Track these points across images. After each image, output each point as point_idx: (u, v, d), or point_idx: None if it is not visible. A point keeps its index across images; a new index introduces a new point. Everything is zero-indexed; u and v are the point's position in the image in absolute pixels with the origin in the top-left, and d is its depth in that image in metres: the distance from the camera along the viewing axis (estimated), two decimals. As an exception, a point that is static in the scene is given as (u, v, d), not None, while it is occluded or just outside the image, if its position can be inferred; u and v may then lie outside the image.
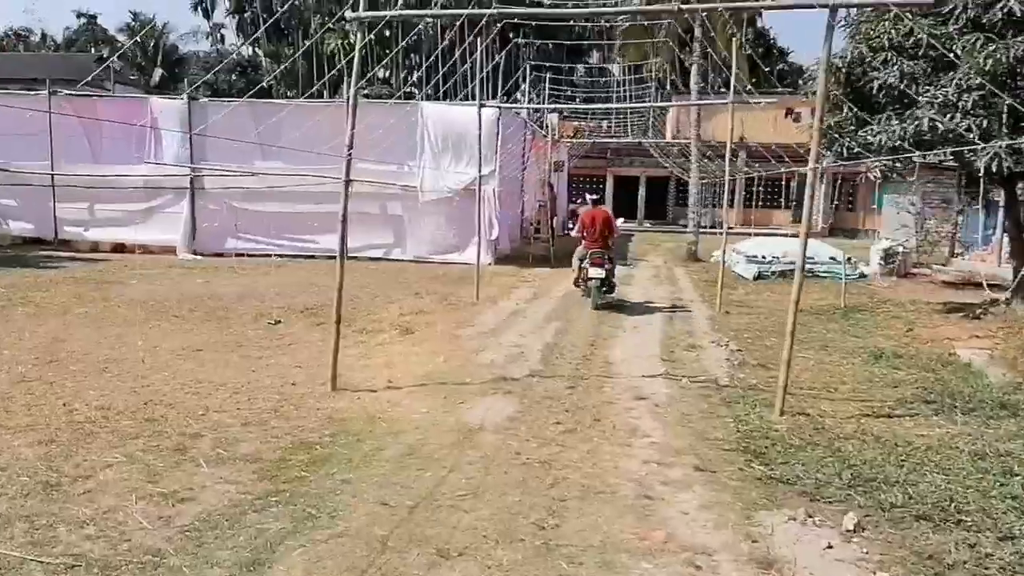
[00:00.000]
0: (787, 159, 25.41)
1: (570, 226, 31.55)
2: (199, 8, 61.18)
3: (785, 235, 26.71)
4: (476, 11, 7.61)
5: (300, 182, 18.45)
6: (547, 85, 28.21)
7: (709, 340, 9.73)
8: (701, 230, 21.94)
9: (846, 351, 9.35)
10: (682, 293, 14.34)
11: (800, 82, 19.89)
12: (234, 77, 57.78)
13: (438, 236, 18.92)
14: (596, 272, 11.86)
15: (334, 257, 18.13)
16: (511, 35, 54.25)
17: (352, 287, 14.17)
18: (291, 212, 19.08)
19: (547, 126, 25.47)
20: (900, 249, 16.43)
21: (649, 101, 40.56)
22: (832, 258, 16.53)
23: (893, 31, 10.55)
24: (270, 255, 19.01)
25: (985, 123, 9.87)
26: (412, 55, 57.85)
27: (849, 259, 16.62)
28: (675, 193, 39.69)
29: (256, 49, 59.75)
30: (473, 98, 18.26)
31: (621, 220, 17.64)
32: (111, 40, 61.70)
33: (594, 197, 14.02)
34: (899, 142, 10.24)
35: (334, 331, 7.18)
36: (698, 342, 9.62)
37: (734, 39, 20.17)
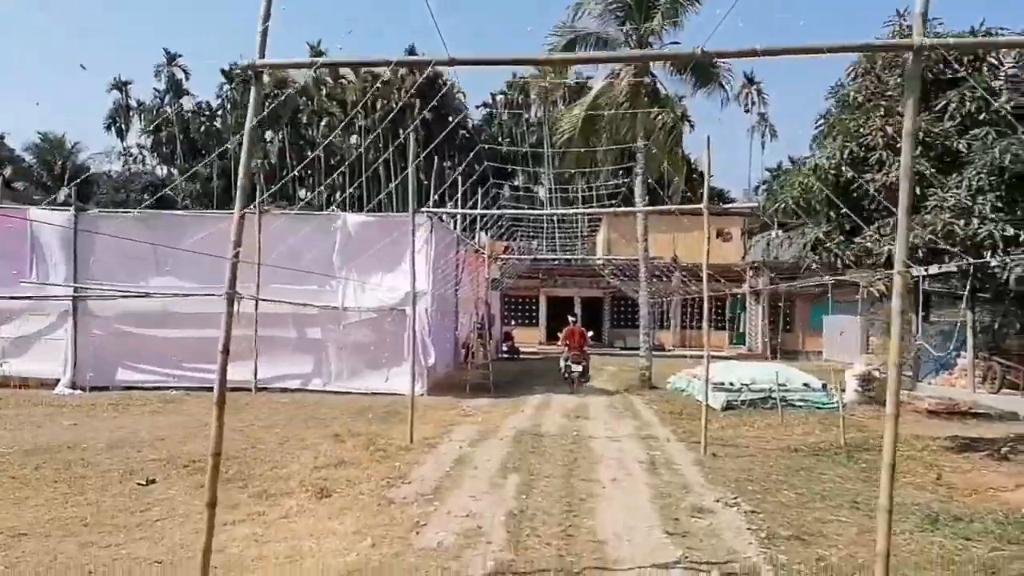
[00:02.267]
0: (721, 279, 24.52)
1: (505, 349, 29.87)
2: (112, 128, 59.22)
3: (728, 358, 25.40)
4: (412, 59, 5.73)
5: (201, 303, 16.13)
6: (479, 200, 26.84)
7: (713, 497, 7.65)
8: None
9: (884, 509, 7.39)
10: (651, 429, 12.31)
11: (756, 195, 18.93)
12: (146, 196, 55.24)
13: (363, 363, 16.61)
14: (576, 367, 18.00)
15: (243, 390, 15.77)
16: (435, 156, 53.77)
17: (258, 428, 11.74)
18: (192, 337, 16.53)
19: (479, 243, 23.87)
20: (877, 374, 14.92)
21: (578, 222, 39.96)
22: (806, 384, 14.90)
23: (887, 127, 9.27)
24: (167, 388, 16.30)
25: (1009, 229, 8.50)
26: (336, 175, 56.80)
27: (824, 386, 15.05)
28: (611, 314, 38.45)
29: (171, 169, 57.80)
30: (397, 209, 16.64)
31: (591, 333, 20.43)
32: (17, 160, 58.83)
33: (574, 318, 19.83)
34: (912, 252, 8.76)
35: (206, 519, 4.81)
36: (700, 501, 7.52)
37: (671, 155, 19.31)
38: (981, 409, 14.70)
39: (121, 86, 60.76)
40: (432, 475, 8.38)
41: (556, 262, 38.87)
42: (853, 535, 6.54)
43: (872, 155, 9.14)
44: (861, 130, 9.29)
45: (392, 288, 16.56)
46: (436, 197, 21.61)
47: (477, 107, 65.94)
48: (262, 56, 4.69)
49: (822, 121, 11.01)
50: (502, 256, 29.05)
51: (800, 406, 14.51)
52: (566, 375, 18.01)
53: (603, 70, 19.44)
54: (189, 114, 57.78)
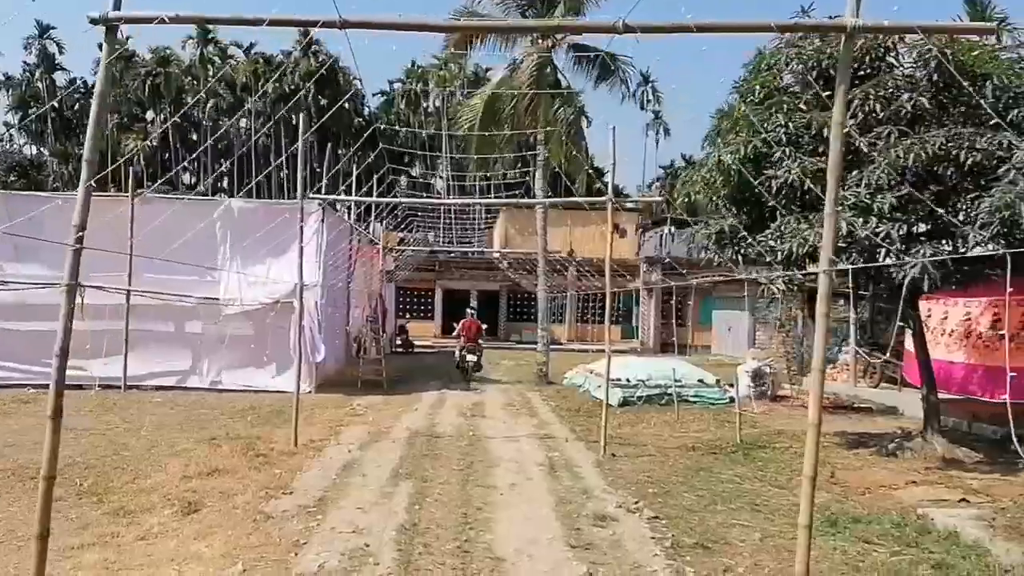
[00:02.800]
0: (621, 273, 24.64)
1: (399, 343, 29.12)
2: (-26, 102, 54.70)
3: (623, 352, 25.55)
4: (293, 17, 5.08)
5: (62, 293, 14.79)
6: (374, 188, 25.96)
7: (614, 502, 7.33)
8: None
9: (784, 512, 7.26)
10: (549, 427, 11.98)
11: (651, 191, 18.99)
12: (13, 178, 51.34)
13: (247, 359, 15.61)
14: (471, 357, 18.44)
15: (110, 387, 14.54)
16: (328, 142, 52.28)
17: (124, 432, 10.73)
18: (52, 331, 15.12)
19: (373, 234, 23.05)
20: (768, 370, 15.14)
21: (475, 215, 39.60)
22: (700, 381, 14.95)
23: (790, 123, 9.19)
24: (23, 386, 14.85)
25: (905, 228, 8.56)
26: (222, 160, 54.28)
27: (718, 382, 15.15)
28: (507, 308, 38.23)
29: (41, 148, 53.82)
30: (288, 197, 15.75)
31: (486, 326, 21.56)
32: None
33: (472, 311, 20.46)
34: (810, 249, 8.71)
35: (35, 552, 4.08)
36: (602, 507, 7.18)
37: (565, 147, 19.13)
38: (862, 404, 15.14)
39: (-15, 58, 56.16)
40: (316, 484, 7.73)
41: (453, 255, 38.37)
42: (757, 541, 6.33)
43: (774, 151, 9.02)
44: (765, 125, 9.16)
45: (279, 279, 15.64)
46: (328, 183, 20.66)
47: (374, 95, 64.54)
48: (117, 8, 3.98)
49: (720, 117, 10.92)
50: (397, 247, 28.24)
51: (695, 402, 14.55)
52: (460, 364, 18.56)
53: (504, 61, 19.06)
54: (62, 90, 53.90)
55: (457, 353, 18.79)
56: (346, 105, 55.24)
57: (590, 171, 21.48)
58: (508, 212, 38.48)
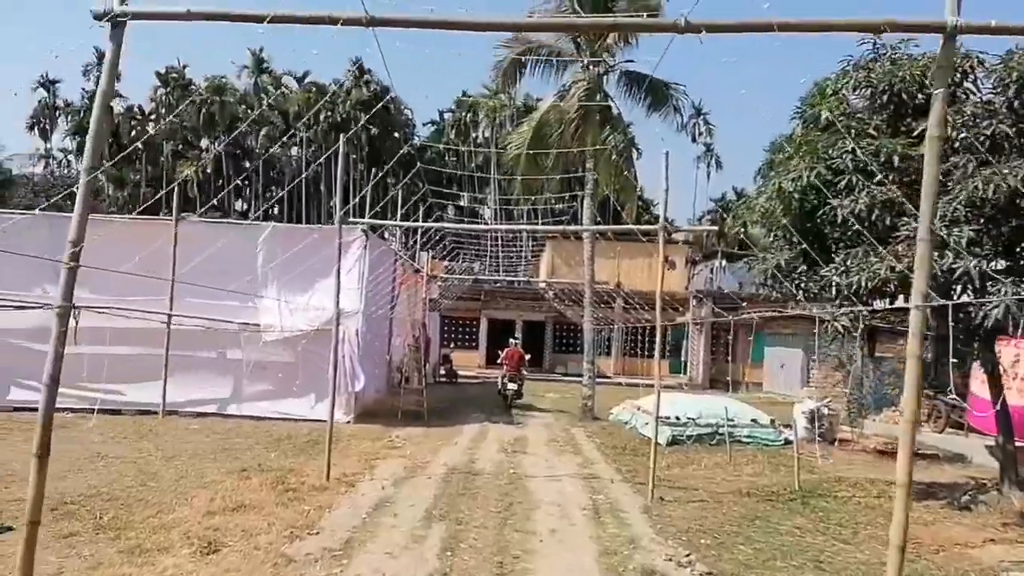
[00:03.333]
0: (672, 307, 23.95)
1: (443, 372, 28.76)
2: (35, 129, 56.39)
3: (670, 387, 24.76)
4: (319, 13, 4.69)
5: (105, 316, 14.71)
6: (420, 218, 25.78)
7: (663, 556, 6.74)
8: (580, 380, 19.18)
9: (852, 572, 6.61)
10: (594, 467, 11.39)
11: (701, 224, 18.39)
12: (70, 202, 52.60)
13: (285, 387, 15.33)
14: (512, 385, 19.05)
15: (148, 412, 14.38)
16: (374, 168, 52.51)
17: (156, 461, 10.46)
18: (95, 355, 15.07)
19: (418, 262, 22.79)
20: (827, 411, 14.33)
21: (521, 244, 39.28)
22: (754, 420, 14.21)
23: (857, 150, 8.59)
24: (64, 410, 14.77)
25: (985, 264, 7.88)
26: (273, 188, 55.05)
27: (772, 421, 14.40)
28: (552, 339, 37.66)
29: (99, 174, 55.17)
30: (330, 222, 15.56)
31: (529, 356, 21.27)
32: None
33: (515, 340, 20.84)
34: (881, 285, 8.08)
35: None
36: (649, 560, 6.61)
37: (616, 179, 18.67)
38: (927, 450, 14.21)
39: (48, 84, 58.09)
40: (345, 524, 7.30)
41: (498, 284, 38.04)
42: (824, 607, 5.70)
43: (841, 179, 8.44)
44: (830, 152, 8.60)
45: (321, 306, 15.40)
46: (377, 212, 20.46)
47: (424, 124, 65.07)
48: (123, 2, 3.67)
49: (776, 147, 10.39)
50: (442, 275, 27.94)
51: (748, 443, 13.82)
52: (502, 392, 19.35)
53: (552, 87, 18.74)
54: (120, 117, 55.34)
55: (500, 381, 19.53)
56: (396, 134, 55.75)
57: (640, 200, 20.84)
58: (555, 242, 38.07)
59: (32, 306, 12.81)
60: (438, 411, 17.81)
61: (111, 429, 13.18)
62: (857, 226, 8.17)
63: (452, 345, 34.59)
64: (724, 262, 37.87)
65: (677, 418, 13.84)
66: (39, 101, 56.91)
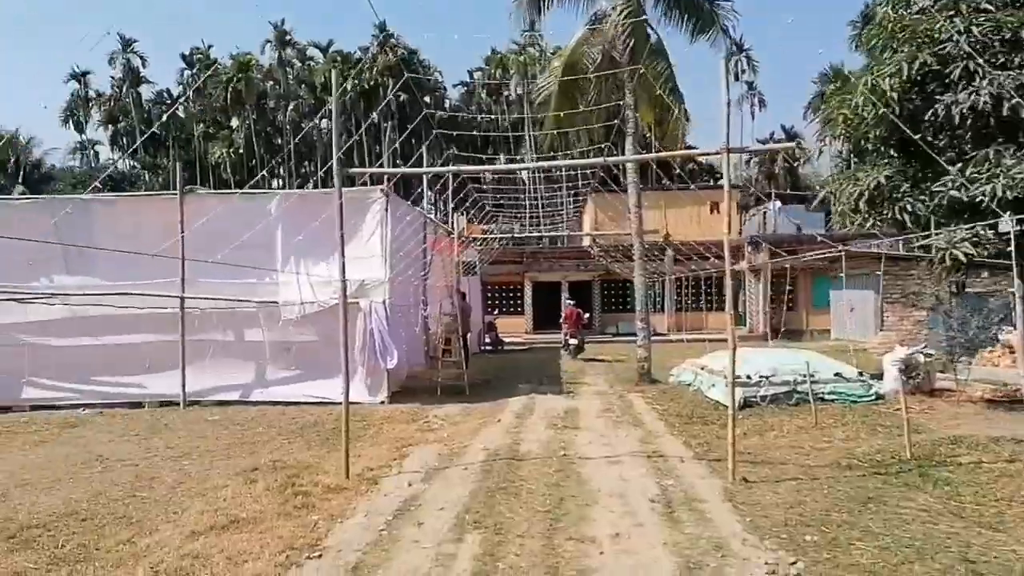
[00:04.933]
0: (714, 256, 22.09)
1: (487, 341, 27.37)
2: (70, 121, 55.98)
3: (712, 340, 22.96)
4: None
5: (117, 303, 13.58)
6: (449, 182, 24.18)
7: (763, 564, 5.19)
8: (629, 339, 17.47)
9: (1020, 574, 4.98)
10: (657, 441, 9.80)
11: (748, 168, 16.55)
12: (107, 190, 52.39)
13: (312, 368, 14.02)
14: (573, 341, 22.26)
15: (170, 403, 13.24)
16: (412, 140, 51.11)
17: (161, 460, 9.23)
18: (106, 345, 13.96)
19: (454, 225, 21.26)
20: (922, 358, 12.48)
21: (561, 201, 37.45)
22: (838, 374, 12.45)
23: (973, 28, 6.74)
24: (79, 406, 13.75)
25: None
26: (306, 163, 53.95)
27: (860, 373, 12.63)
28: (601, 298, 35.97)
29: (133, 162, 54.75)
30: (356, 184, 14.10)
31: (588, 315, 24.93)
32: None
33: (572, 301, 24.44)
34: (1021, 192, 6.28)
35: None
36: (746, 572, 5.06)
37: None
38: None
39: (79, 76, 57.55)
40: (356, 540, 5.87)
41: (540, 244, 36.45)
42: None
43: (954, 68, 6.62)
44: (936, 35, 6.76)
45: (349, 278, 14.01)
46: (404, 179, 18.92)
47: (455, 86, 63.16)
48: None
49: (834, 71, 8.57)
50: (478, 235, 26.32)
51: (832, 400, 12.10)
52: (566, 346, 22.82)
53: (583, 18, 16.83)
54: (149, 103, 54.68)
55: (563, 339, 23.17)
56: (426, 99, 54.10)
57: (684, 125, 18.56)
58: (598, 197, 36.23)
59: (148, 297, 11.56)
60: (481, 384, 16.42)
61: (126, 425, 12.07)
62: (977, 124, 6.40)
63: (496, 312, 33.13)
64: (779, 204, 35.59)
65: (748, 377, 12.16)
66: (71, 93, 56.56)
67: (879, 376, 12.96)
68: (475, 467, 8.29)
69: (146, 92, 54.90)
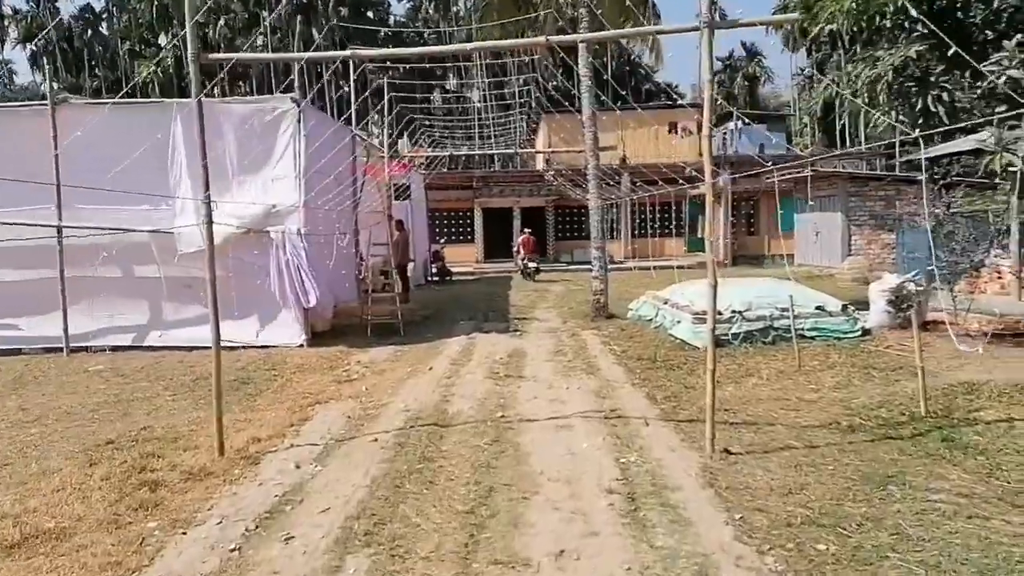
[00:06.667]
0: (680, 179, 20.36)
1: (434, 271, 25.55)
2: (-19, 40, 51.40)
3: (686, 267, 21.45)
4: None
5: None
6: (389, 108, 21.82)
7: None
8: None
9: None
10: (616, 394, 8.15)
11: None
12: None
13: (221, 308, 12.07)
14: (532, 264, 24.60)
15: (51, 349, 11.25)
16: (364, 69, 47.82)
17: (8, 427, 7.44)
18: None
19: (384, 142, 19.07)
20: (913, 287, 11.00)
21: (514, 126, 35.16)
22: (819, 308, 10.94)
23: None
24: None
25: None
26: (241, 83, 50.41)
27: (845, 307, 11.14)
28: (555, 225, 34.21)
29: (54, 83, 50.55)
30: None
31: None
32: None
33: (528, 230, 26.75)
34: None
35: None
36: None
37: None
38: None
39: (-11, -9, 52.60)
40: (193, 568, 4.14)
41: (492, 168, 34.34)
42: None
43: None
44: None
45: (251, 201, 12.01)
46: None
47: (399, 0, 59.43)
48: None
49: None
50: (417, 156, 24.06)
51: (812, 336, 10.63)
52: (524, 271, 24.61)
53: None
54: (70, 19, 50.30)
55: (519, 262, 25.20)
56: (369, 14, 50.84)
57: (641, 69, 16.42)
58: (551, 119, 34.10)
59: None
60: (419, 321, 14.69)
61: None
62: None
63: (443, 241, 31.18)
64: (739, 124, 33.87)
65: (720, 312, 10.57)
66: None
67: (863, 307, 11.52)
68: (388, 438, 6.56)
69: (68, 8, 50.45)
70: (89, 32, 51.94)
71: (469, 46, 6.78)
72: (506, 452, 6.00)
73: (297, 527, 4.60)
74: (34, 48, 52.02)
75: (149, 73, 45.27)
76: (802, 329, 10.46)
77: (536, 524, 4.55)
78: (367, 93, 19.50)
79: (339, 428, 7.02)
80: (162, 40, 50.50)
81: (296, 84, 12.24)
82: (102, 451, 6.38)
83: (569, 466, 5.64)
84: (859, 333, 10.64)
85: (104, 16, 52.67)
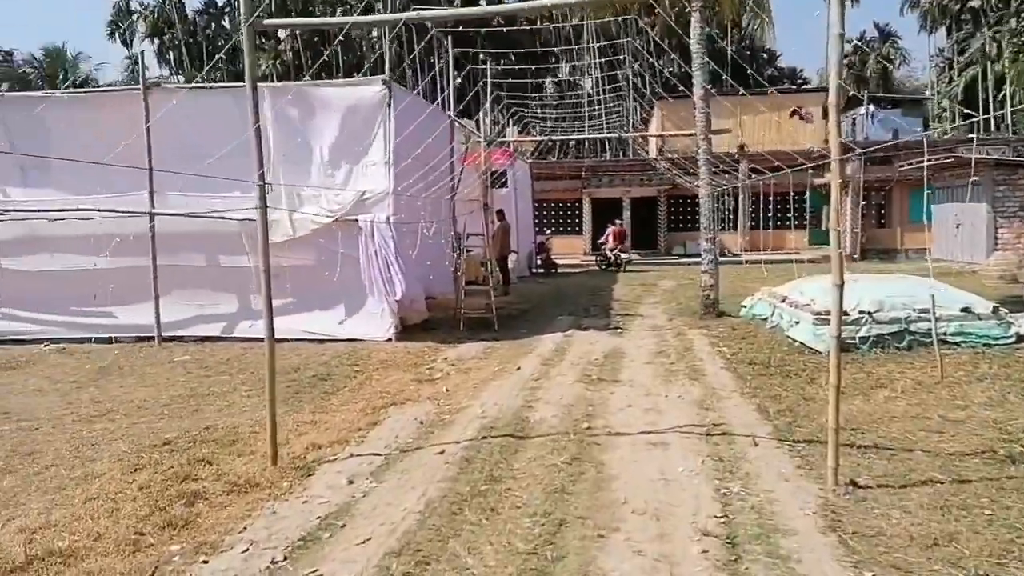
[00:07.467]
0: (804, 161, 18.77)
1: (538, 263, 24.87)
2: (115, 36, 54.22)
3: (808, 261, 19.79)
4: None
5: (83, 222, 11.54)
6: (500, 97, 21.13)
7: None
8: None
9: None
10: (722, 405, 7.13)
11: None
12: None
13: (308, 298, 11.80)
14: (624, 256, 25.01)
15: (144, 338, 11.15)
16: (469, 53, 47.74)
17: (69, 423, 7.13)
18: (73, 270, 11.96)
19: (483, 129, 18.35)
20: (1082, 287, 9.42)
21: (626, 113, 33.95)
22: (966, 309, 9.51)
23: None
24: (40, 341, 11.92)
25: None
26: (355, 74, 51.26)
27: (995, 309, 9.67)
28: (667, 215, 32.84)
29: (179, 76, 52.92)
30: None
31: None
32: (22, 77, 54.88)
33: (620, 221, 27.86)
34: None
35: None
36: None
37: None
38: None
39: (120, -14, 55.49)
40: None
41: (601, 157, 33.30)
42: None
43: None
44: None
45: (344, 188, 11.62)
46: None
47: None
48: None
49: None
50: (507, 140, 23.09)
51: (957, 342, 9.24)
52: (615, 261, 24.73)
53: None
54: (195, 15, 52.47)
55: (609, 253, 24.96)
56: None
57: (763, 52, 15.01)
58: (664, 104, 32.71)
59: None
60: (515, 315, 14.02)
61: (77, 367, 10.13)
62: None
63: (550, 232, 30.41)
64: (871, 108, 31.49)
65: (846, 313, 9.34)
66: (113, 5, 54.61)
67: (1016, 309, 10.00)
68: (456, 450, 5.85)
69: (192, 2, 52.63)
70: (213, 26, 53.96)
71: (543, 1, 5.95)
72: (586, 474, 5.17)
73: (328, 562, 3.93)
74: (160, 42, 54.50)
75: (269, 66, 46.40)
76: (944, 333, 9.10)
77: (611, 575, 3.71)
78: (478, 87, 18.93)
79: (407, 435, 6.37)
80: (281, 33, 51.88)
81: (387, 66, 11.71)
82: (153, 453, 5.96)
83: (659, 495, 4.76)
84: (1013, 340, 9.18)
85: (226, 10, 54.57)
